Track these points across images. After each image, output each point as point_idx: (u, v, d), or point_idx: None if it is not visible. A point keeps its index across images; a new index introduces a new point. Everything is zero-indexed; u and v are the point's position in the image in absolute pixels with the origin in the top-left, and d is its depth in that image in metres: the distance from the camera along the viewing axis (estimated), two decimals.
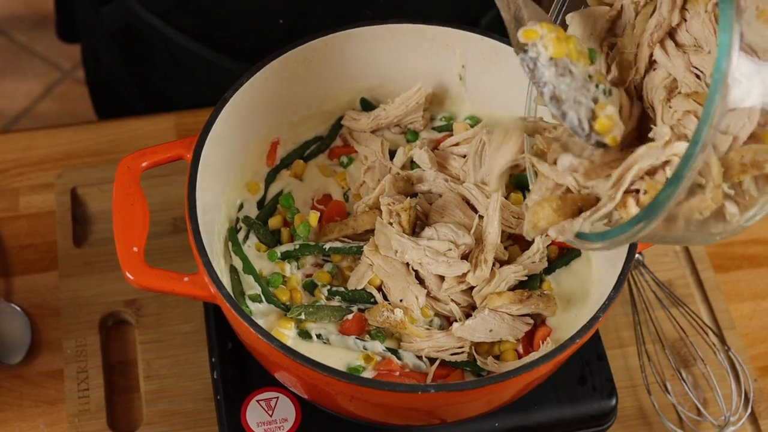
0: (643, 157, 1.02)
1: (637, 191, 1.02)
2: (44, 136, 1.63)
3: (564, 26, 1.18)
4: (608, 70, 1.16)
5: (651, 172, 1.02)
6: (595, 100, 1.06)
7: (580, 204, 1.07)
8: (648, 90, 1.13)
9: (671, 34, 1.11)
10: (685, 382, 1.41)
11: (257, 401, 1.31)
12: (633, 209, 1.01)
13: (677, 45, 1.10)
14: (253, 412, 1.31)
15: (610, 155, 1.08)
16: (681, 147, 1.00)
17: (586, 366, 1.35)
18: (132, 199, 1.21)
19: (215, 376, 1.33)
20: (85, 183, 1.57)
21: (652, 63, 1.13)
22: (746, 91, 0.97)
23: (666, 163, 1.01)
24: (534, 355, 1.24)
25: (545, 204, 1.07)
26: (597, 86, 1.06)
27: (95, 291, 1.48)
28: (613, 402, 1.33)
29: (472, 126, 1.39)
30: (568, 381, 1.33)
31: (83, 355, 1.43)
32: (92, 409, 1.39)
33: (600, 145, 1.06)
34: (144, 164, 1.24)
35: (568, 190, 1.09)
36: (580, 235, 1.06)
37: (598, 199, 1.06)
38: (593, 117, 1.05)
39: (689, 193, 0.98)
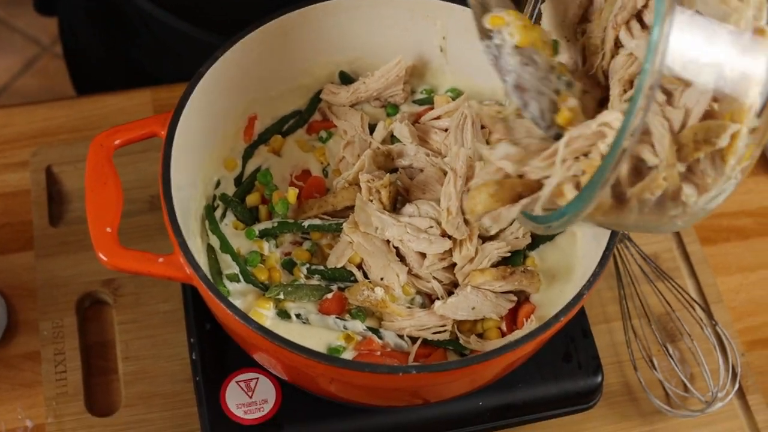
0: (575, 133, 1.00)
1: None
2: (19, 113, 1.60)
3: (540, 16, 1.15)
4: (584, 61, 1.13)
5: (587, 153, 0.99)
6: (557, 92, 1.04)
7: (521, 190, 1.04)
8: (613, 74, 1.11)
9: (639, 15, 1.07)
10: (671, 357, 1.39)
11: (237, 382, 1.29)
12: (570, 194, 0.98)
13: (643, 26, 1.07)
14: (233, 394, 1.28)
15: (546, 143, 1.05)
16: (610, 116, 0.97)
17: (571, 343, 1.32)
18: (105, 178, 1.18)
19: (194, 357, 1.31)
20: (61, 161, 1.54)
21: (618, 47, 1.10)
22: (695, 64, 0.94)
23: (601, 137, 0.98)
24: (517, 334, 1.22)
25: (483, 189, 1.04)
26: (559, 78, 1.04)
27: (72, 271, 1.45)
28: (599, 379, 1.31)
29: (453, 99, 1.36)
30: (552, 358, 1.31)
31: (60, 337, 1.40)
32: (70, 392, 1.37)
33: (558, 137, 1.03)
34: (117, 142, 1.21)
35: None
36: (528, 217, 1.03)
37: (541, 185, 1.03)
38: (555, 109, 1.02)
39: (636, 173, 0.95)
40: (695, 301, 1.44)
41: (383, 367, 1.10)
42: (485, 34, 1.06)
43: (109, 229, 1.16)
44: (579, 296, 1.13)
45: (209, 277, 1.25)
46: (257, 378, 1.29)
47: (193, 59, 1.42)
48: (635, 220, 0.99)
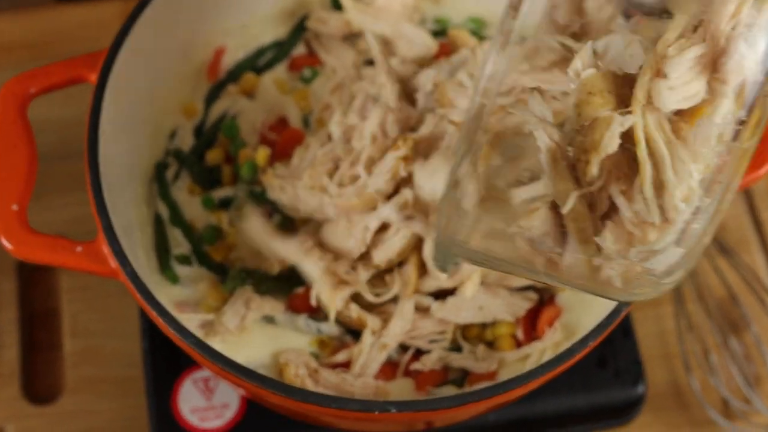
0: None
1: None
2: None
3: None
4: None
5: None
6: None
7: None
8: None
9: None
10: (732, 354, 1.13)
11: (193, 381, 1.05)
12: None
13: None
14: (188, 395, 1.05)
15: None
16: None
17: (608, 344, 1.07)
18: (14, 139, 0.93)
19: (145, 346, 1.07)
20: None
21: None
22: None
23: None
24: (536, 347, 0.96)
25: None
26: None
27: None
28: (640, 390, 1.06)
29: (475, 33, 1.09)
30: (583, 363, 1.04)
31: None
32: (4, 372, 1.15)
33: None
34: (32, 90, 0.96)
35: None
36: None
37: None
38: None
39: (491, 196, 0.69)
40: (762, 285, 1.17)
41: (354, 403, 0.85)
42: None
43: (15, 207, 0.91)
44: (616, 312, 0.87)
45: (155, 258, 1.01)
46: None
47: None
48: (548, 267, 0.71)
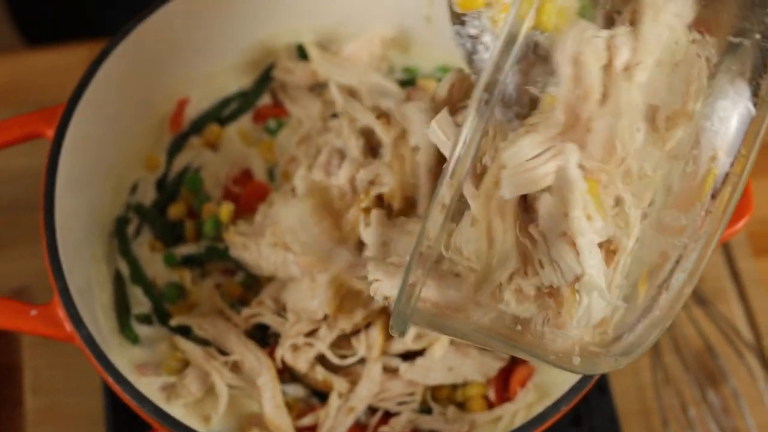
0: None
1: None
2: None
3: None
4: None
5: None
6: None
7: None
8: None
9: None
10: (711, 410, 1.10)
11: None
12: None
13: None
14: None
15: None
16: None
17: (584, 402, 1.04)
18: None
19: (106, 404, 1.04)
20: None
21: None
22: None
23: None
24: (508, 408, 0.93)
25: None
26: None
27: None
28: None
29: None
30: (558, 422, 1.02)
31: None
32: None
33: None
34: None
35: None
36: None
37: None
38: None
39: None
40: (739, 335, 1.14)
41: None
42: (457, 16, 0.76)
43: None
44: (589, 375, 0.85)
45: (114, 317, 0.98)
46: None
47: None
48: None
